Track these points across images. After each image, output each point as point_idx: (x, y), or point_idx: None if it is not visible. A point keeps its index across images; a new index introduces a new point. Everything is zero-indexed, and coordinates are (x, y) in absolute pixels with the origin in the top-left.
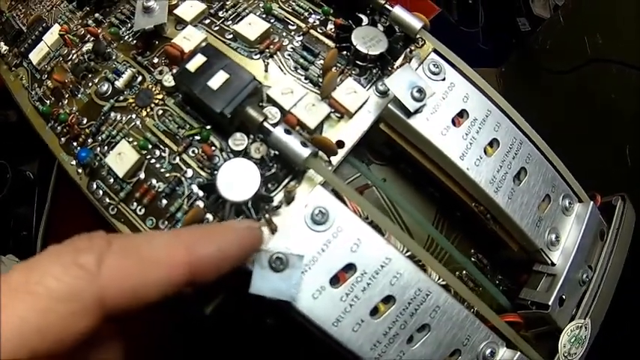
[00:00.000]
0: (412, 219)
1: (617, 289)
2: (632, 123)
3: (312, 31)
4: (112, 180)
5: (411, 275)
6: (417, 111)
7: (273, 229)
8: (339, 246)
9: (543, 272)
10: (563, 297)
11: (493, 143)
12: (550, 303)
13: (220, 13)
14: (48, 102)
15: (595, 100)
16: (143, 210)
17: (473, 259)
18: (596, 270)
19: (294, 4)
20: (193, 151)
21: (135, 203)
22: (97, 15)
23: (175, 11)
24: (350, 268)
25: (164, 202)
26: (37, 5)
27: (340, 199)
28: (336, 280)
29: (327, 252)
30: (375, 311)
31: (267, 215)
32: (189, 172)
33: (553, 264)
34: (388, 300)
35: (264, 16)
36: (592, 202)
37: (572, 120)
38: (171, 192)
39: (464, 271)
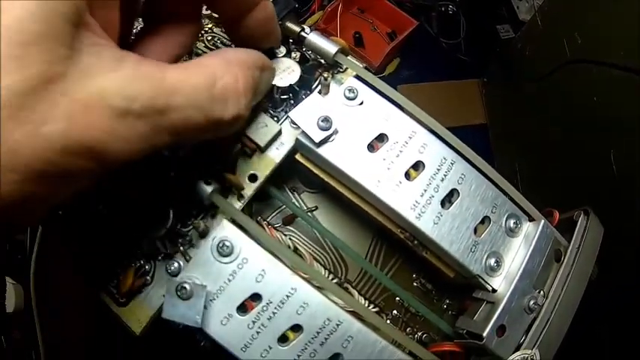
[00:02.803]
0: (344, 245)
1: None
2: (616, 126)
3: None
4: None
5: (318, 305)
6: (326, 140)
7: (188, 260)
8: (244, 276)
9: (483, 299)
10: (504, 325)
11: (418, 165)
12: (485, 334)
13: None
14: None
15: (578, 104)
16: None
17: (415, 283)
18: (549, 295)
19: (218, 42)
20: None
21: None
22: None
23: None
24: (257, 297)
25: None
26: None
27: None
28: (244, 309)
29: (234, 282)
30: (284, 339)
31: (182, 248)
32: None
33: (494, 290)
34: (297, 329)
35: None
36: (543, 221)
37: (555, 126)
38: None
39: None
